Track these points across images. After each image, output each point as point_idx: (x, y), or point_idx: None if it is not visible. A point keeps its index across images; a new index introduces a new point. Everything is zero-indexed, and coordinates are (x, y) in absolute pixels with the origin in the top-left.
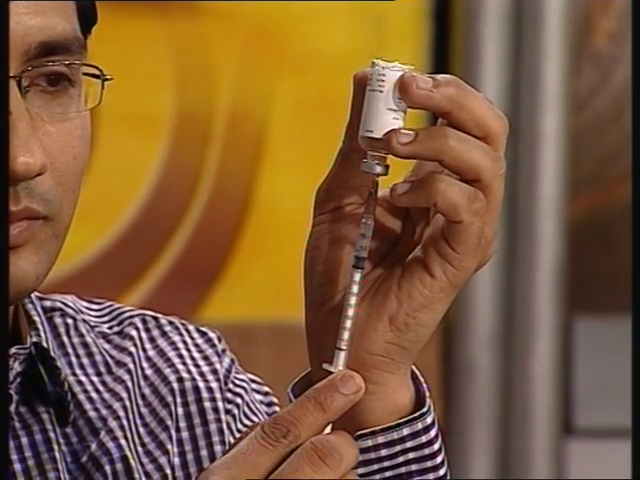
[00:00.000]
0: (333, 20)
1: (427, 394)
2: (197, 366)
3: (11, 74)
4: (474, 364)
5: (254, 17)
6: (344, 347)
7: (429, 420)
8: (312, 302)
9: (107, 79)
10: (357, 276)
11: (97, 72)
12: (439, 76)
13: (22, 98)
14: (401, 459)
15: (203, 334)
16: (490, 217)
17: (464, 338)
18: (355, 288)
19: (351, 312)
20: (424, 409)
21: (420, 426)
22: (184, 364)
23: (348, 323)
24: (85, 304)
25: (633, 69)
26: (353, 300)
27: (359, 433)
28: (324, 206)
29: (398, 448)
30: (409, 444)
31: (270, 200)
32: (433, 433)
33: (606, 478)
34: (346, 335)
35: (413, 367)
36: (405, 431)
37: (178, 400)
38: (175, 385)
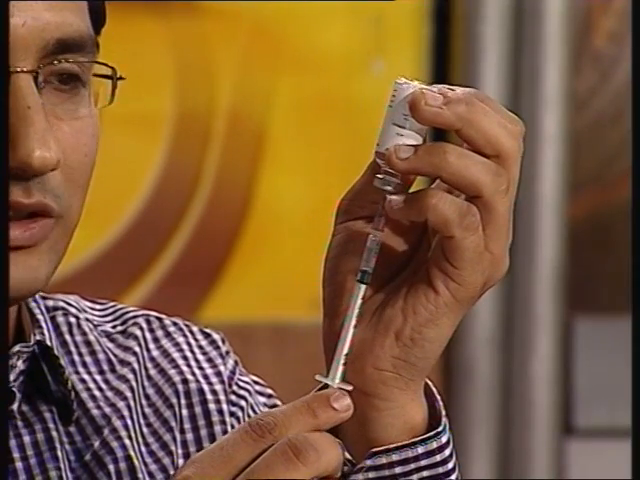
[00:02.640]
0: (333, 20)
1: (443, 412)
2: (201, 368)
3: (27, 69)
4: (474, 364)
5: (254, 17)
6: (342, 360)
7: (444, 439)
8: (328, 312)
9: (120, 78)
10: (360, 290)
11: (109, 72)
12: (454, 91)
13: (38, 93)
14: (415, 477)
15: (207, 336)
16: (495, 233)
17: (464, 338)
18: (357, 301)
19: (351, 325)
20: (439, 428)
21: (435, 445)
22: (188, 366)
23: (347, 336)
24: (88, 304)
25: (633, 69)
26: (354, 313)
27: (373, 450)
28: (346, 216)
29: (412, 466)
30: (423, 462)
31: (270, 200)
32: (448, 452)
33: (606, 478)
34: (345, 348)
35: (430, 384)
36: (420, 449)
37: (182, 402)
38: (180, 387)
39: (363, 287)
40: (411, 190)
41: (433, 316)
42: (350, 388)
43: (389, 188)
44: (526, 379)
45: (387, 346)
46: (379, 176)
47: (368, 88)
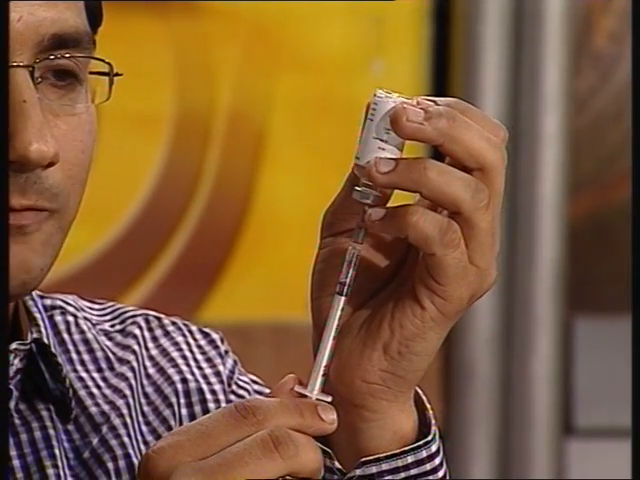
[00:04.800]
0: (333, 20)
1: (433, 421)
2: (200, 368)
3: (23, 64)
4: (474, 364)
5: (254, 17)
6: (321, 372)
7: (434, 448)
8: (316, 325)
9: (116, 75)
10: (339, 302)
11: (105, 69)
12: (436, 104)
13: (35, 88)
14: None
15: (206, 335)
16: (479, 247)
17: (464, 338)
18: (337, 313)
19: (330, 337)
20: (429, 437)
21: (425, 454)
22: (187, 365)
23: (326, 348)
24: (87, 303)
25: (633, 69)
26: (333, 325)
27: (363, 460)
28: (330, 229)
29: (402, 475)
30: (413, 472)
31: (270, 200)
32: (437, 461)
33: (606, 478)
34: (324, 360)
35: (420, 392)
36: (409, 459)
37: (182, 401)
38: (179, 386)
39: (342, 299)
40: (392, 202)
41: (420, 330)
42: (329, 399)
43: (368, 201)
44: (526, 379)
45: (375, 359)
46: (358, 188)
47: (368, 88)
